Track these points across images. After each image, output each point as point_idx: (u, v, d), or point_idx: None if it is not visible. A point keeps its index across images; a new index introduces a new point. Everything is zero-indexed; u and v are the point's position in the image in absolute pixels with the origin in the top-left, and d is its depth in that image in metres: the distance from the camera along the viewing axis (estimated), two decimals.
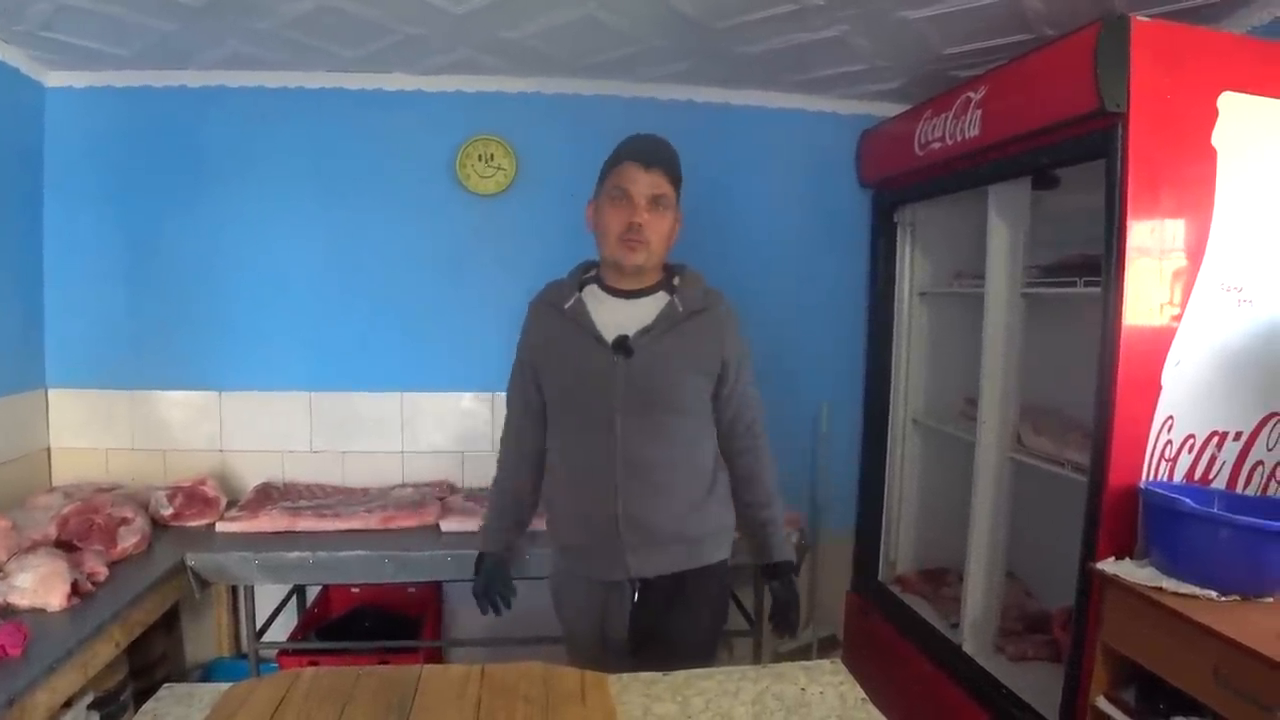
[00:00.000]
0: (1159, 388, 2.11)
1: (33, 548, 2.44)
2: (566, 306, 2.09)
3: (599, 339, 2.03)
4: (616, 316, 2.06)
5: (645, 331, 2.02)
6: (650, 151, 2.02)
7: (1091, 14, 2.14)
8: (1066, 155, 2.31)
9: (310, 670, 1.66)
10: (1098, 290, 2.17)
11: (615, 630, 2.15)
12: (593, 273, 2.16)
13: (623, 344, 2.01)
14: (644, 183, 1.99)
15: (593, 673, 1.64)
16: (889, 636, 3.18)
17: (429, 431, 3.52)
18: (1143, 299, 2.09)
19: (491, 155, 3.40)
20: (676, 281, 2.11)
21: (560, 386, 2.12)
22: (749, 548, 2.31)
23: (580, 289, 2.13)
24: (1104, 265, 2.13)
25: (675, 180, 2.05)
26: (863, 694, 1.62)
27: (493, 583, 2.29)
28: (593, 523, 2.07)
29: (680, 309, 2.05)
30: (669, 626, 2.11)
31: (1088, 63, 2.04)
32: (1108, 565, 2.06)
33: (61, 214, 3.26)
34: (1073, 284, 2.46)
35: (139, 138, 3.28)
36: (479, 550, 2.34)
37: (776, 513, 2.23)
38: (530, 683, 1.58)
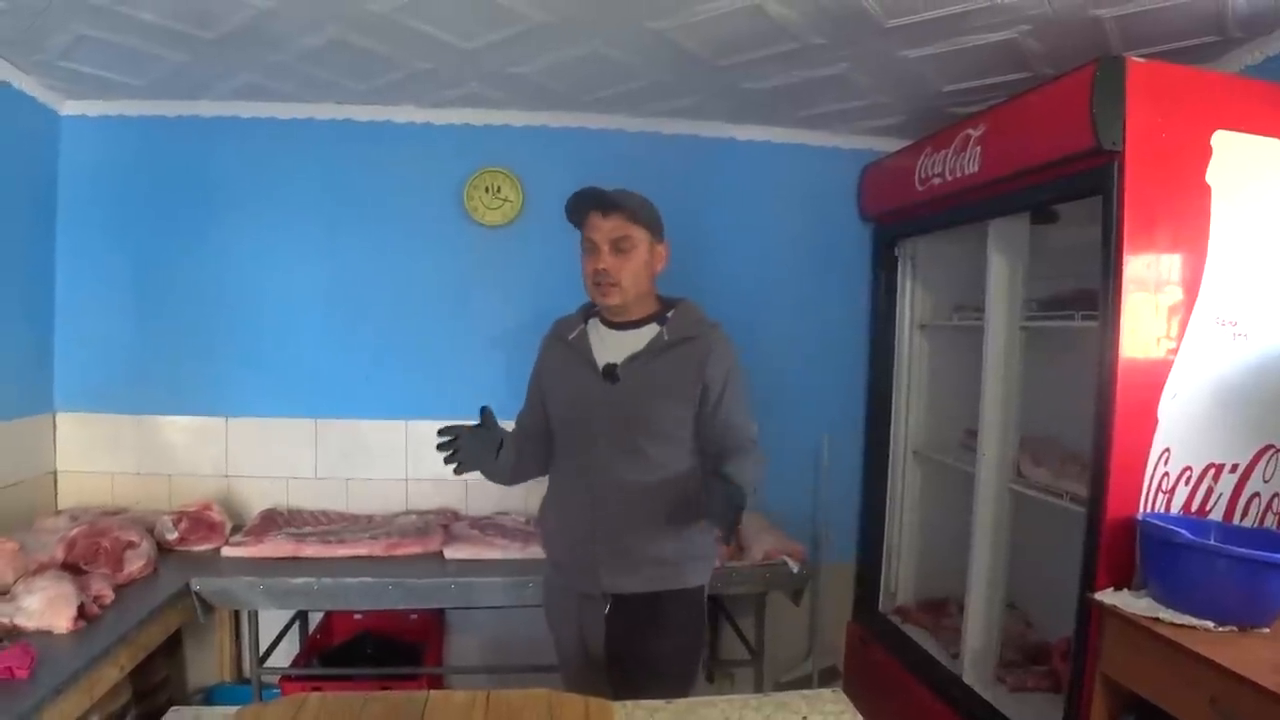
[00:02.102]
0: (1156, 420, 2.14)
1: (40, 570, 2.45)
2: (571, 337, 2.22)
3: (593, 366, 2.14)
4: (612, 347, 2.16)
5: (632, 359, 2.11)
6: (605, 198, 2.08)
7: (1088, 54, 2.18)
8: (1064, 192, 2.36)
9: (317, 695, 1.67)
10: (1095, 324, 2.21)
11: (593, 643, 2.20)
12: (598, 308, 2.24)
13: (610, 371, 2.13)
14: (605, 229, 2.08)
15: (597, 700, 1.65)
16: (890, 667, 3.18)
17: (433, 459, 3.46)
18: (1139, 332, 2.13)
19: (498, 187, 3.44)
20: (670, 314, 2.18)
21: (558, 409, 2.25)
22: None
23: (586, 322, 2.24)
24: (1101, 299, 2.17)
25: (638, 219, 2.10)
26: None
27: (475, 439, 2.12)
28: (571, 537, 2.20)
29: (666, 338, 2.12)
30: (643, 646, 2.14)
31: (1084, 102, 2.10)
32: (1106, 596, 2.08)
33: (73, 240, 3.31)
34: (1070, 317, 2.49)
35: (151, 166, 3.33)
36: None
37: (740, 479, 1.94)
38: (535, 710, 1.59)
